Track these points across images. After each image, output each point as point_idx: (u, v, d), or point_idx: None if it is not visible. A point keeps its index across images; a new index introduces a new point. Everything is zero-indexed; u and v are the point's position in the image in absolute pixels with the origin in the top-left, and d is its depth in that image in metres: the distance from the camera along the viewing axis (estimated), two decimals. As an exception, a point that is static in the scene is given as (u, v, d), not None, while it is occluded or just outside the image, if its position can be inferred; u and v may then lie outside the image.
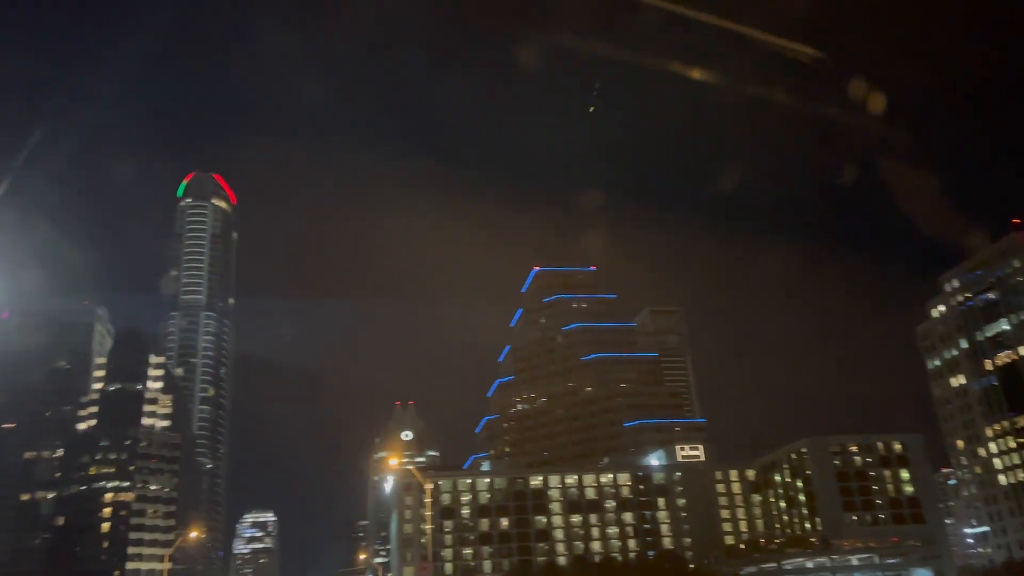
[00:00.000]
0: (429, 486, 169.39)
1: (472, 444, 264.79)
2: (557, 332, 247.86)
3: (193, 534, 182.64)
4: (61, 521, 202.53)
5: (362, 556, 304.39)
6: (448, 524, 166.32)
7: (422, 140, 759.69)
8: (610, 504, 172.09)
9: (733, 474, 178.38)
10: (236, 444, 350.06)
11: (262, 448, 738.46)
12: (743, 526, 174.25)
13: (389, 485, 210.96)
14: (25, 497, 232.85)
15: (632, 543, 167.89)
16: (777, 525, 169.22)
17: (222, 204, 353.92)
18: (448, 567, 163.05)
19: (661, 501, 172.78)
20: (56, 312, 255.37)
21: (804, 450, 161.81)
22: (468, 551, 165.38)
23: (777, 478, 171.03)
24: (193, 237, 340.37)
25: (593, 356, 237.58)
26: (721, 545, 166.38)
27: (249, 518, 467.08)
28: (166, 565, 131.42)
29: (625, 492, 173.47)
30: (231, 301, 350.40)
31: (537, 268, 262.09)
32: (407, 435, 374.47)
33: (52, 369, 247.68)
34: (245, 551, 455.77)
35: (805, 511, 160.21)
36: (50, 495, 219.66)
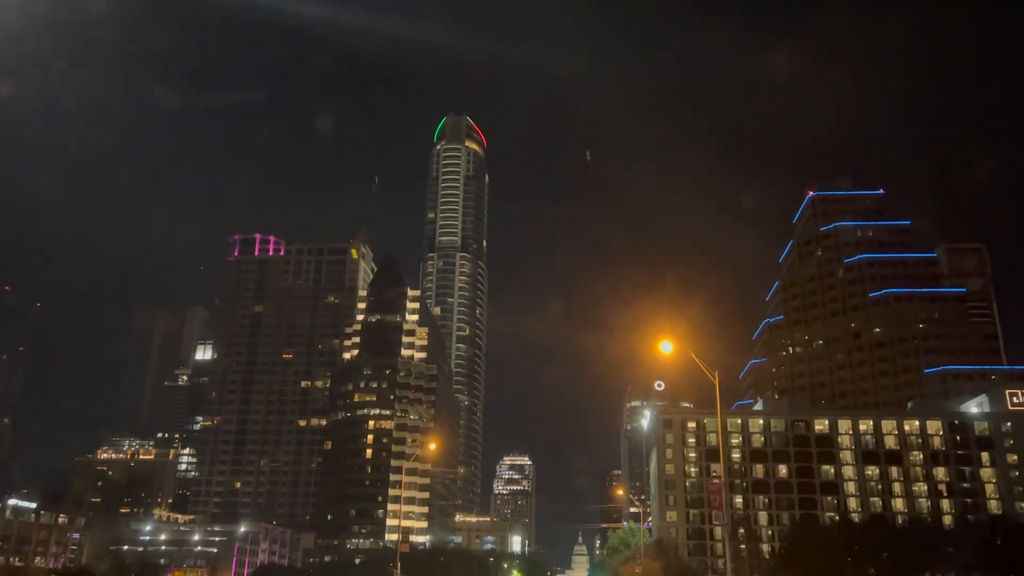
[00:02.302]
0: (692, 424, 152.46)
1: (733, 392, 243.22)
2: (838, 265, 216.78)
3: (432, 445, 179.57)
4: (330, 446, 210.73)
5: (619, 492, 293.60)
6: (715, 468, 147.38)
7: (679, 80, 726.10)
8: (916, 456, 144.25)
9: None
10: (492, 386, 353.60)
11: (517, 391, 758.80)
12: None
13: (647, 422, 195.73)
14: (302, 423, 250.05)
15: (946, 504, 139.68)
16: None
17: (474, 147, 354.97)
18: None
19: (985, 456, 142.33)
20: (325, 251, 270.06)
21: None
22: (739, 499, 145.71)
23: None
24: (448, 180, 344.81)
25: (884, 292, 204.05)
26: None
27: (508, 460, 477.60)
28: (403, 493, 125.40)
29: (936, 443, 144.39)
30: (484, 243, 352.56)
31: (812, 193, 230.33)
32: (659, 384, 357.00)
33: (323, 304, 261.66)
34: (504, 492, 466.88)
35: None
36: (323, 421, 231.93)
